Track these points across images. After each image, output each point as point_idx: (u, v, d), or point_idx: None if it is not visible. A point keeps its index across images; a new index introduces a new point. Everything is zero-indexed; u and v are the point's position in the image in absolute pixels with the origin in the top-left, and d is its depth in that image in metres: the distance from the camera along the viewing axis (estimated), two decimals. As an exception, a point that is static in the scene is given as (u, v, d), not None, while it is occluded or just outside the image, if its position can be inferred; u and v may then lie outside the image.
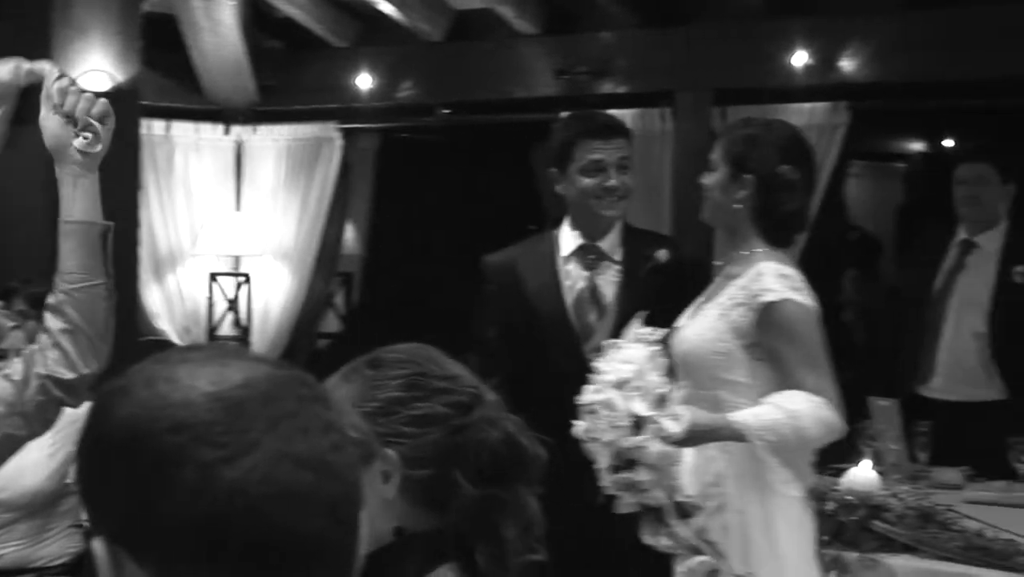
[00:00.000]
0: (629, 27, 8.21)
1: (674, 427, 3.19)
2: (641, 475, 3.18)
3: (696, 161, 4.67)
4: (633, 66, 8.21)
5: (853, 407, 5.54)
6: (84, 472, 1.25)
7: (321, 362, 10.08)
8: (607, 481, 3.20)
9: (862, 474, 4.57)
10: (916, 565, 4.09)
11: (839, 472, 4.73)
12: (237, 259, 9.50)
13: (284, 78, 9.12)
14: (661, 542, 3.24)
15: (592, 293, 4.29)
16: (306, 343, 9.77)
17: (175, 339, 9.37)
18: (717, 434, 3.41)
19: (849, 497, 4.37)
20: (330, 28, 9.02)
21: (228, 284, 9.40)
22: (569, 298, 4.27)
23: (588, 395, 3.24)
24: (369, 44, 9.08)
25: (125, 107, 6.79)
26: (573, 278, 4.27)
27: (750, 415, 3.41)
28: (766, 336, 3.50)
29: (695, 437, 3.30)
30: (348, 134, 9.32)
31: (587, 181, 3.98)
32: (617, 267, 4.32)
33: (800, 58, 7.63)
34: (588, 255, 4.08)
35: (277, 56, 9.13)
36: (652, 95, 8.11)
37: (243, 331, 9.42)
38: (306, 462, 1.18)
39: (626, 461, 3.18)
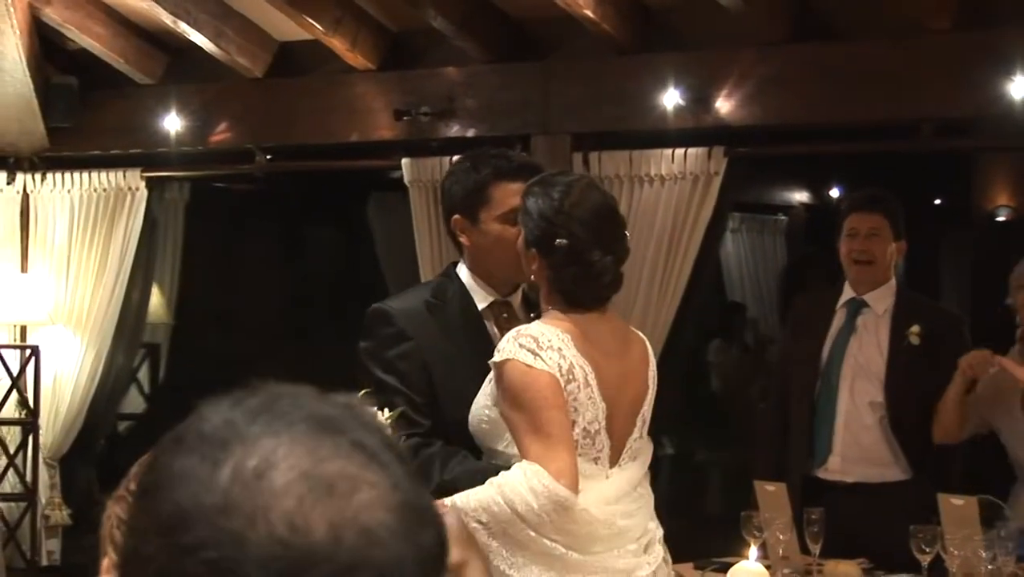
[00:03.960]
0: (478, 63, 8.14)
1: None
2: None
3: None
4: (483, 107, 8.16)
5: (736, 492, 5.48)
6: None
7: (122, 447, 9.84)
8: None
9: (749, 569, 4.54)
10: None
11: (723, 567, 4.71)
12: (23, 329, 9.34)
13: (79, 119, 8.97)
14: None
15: None
16: (105, 426, 9.66)
17: (-52, 422, 9.21)
18: None
19: (735, 597, 4.40)
20: (133, 62, 8.90)
21: (12, 358, 9.20)
22: None
23: None
24: (178, 81, 8.97)
25: None
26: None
27: (463, 495, 3.43)
28: (499, 399, 3.54)
29: None
30: (154, 184, 9.22)
31: (508, 230, 3.75)
32: None
33: (671, 98, 7.55)
34: (501, 313, 3.89)
35: (71, 94, 8.97)
36: (504, 139, 7.93)
37: (30, 412, 9.17)
38: None
39: None
